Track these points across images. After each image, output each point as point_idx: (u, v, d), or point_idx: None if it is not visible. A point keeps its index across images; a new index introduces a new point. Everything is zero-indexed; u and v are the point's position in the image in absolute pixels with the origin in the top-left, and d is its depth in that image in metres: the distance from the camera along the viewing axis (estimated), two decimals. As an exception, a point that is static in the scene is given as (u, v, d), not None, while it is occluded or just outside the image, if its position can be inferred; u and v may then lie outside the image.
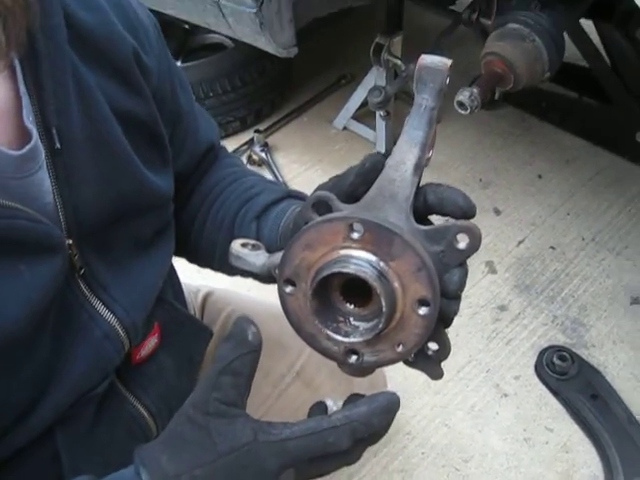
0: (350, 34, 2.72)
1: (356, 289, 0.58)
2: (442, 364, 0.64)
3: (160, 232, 0.82)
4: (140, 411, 0.84)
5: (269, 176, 2.28)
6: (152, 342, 0.84)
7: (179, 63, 2.34)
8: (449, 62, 0.64)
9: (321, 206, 0.61)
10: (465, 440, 1.58)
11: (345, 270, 0.56)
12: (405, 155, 0.62)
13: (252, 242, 0.68)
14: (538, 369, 1.70)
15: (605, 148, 2.29)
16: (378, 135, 2.32)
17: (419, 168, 0.61)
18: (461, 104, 1.30)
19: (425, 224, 0.61)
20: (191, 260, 1.00)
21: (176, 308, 0.91)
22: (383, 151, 2.31)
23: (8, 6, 0.50)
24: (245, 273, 0.69)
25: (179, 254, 0.94)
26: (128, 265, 0.76)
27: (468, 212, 0.60)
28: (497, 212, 2.13)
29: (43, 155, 0.64)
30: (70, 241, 0.67)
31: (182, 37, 2.44)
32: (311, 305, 0.59)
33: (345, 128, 2.50)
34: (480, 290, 1.90)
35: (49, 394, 0.68)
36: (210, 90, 2.29)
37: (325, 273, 0.56)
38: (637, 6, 1.65)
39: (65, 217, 0.66)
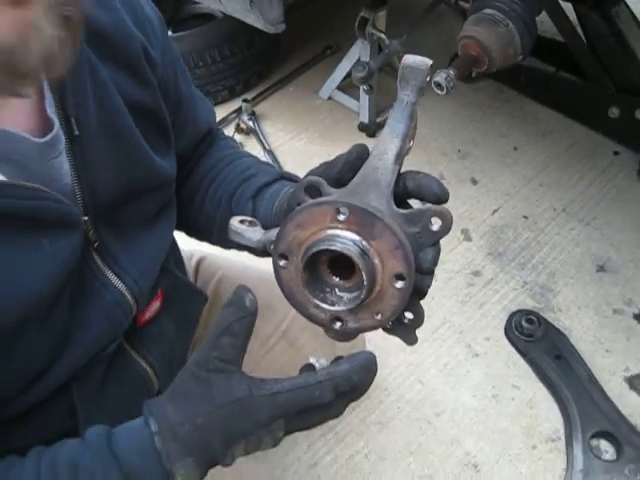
0: (336, 5, 2.77)
1: (342, 264, 0.65)
2: (417, 330, 0.72)
3: (163, 208, 0.90)
4: (145, 368, 0.93)
5: (257, 144, 2.37)
6: (155, 306, 0.93)
7: (170, 33, 2.40)
8: (429, 62, 0.71)
9: (312, 190, 0.68)
10: (438, 396, 1.68)
11: (332, 247, 0.63)
12: (387, 146, 0.69)
13: (249, 219, 0.75)
14: (507, 331, 1.80)
15: (579, 122, 2.37)
16: (362, 106, 2.39)
17: (400, 157, 0.68)
18: (438, 84, 1.39)
19: (405, 207, 0.68)
20: (190, 234, 1.07)
21: (177, 276, 1.00)
22: (366, 121, 2.40)
23: (75, 22, 0.57)
24: (241, 247, 0.77)
25: (180, 228, 1.02)
26: (135, 238, 0.84)
27: (442, 197, 0.68)
28: (474, 182, 2.22)
29: (63, 142, 0.71)
30: (86, 218, 0.74)
31: (173, 7, 2.49)
32: (302, 277, 0.66)
33: (330, 98, 2.57)
34: (456, 256, 1.99)
35: (65, 354, 0.76)
36: (200, 60, 2.35)
37: (315, 249, 0.64)
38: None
39: (82, 197, 0.74)
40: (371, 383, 0.69)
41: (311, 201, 0.66)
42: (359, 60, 2.21)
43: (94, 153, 0.75)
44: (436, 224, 0.66)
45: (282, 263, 0.69)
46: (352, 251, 0.63)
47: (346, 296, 0.67)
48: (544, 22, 2.12)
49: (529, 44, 1.44)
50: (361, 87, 2.26)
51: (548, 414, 1.65)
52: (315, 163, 2.34)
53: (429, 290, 0.68)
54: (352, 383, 0.66)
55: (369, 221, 0.63)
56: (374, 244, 0.64)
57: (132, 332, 0.89)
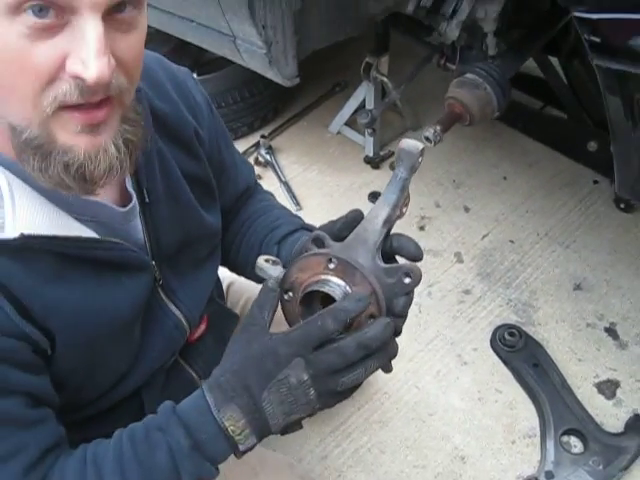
0: (343, 45, 3.00)
1: (330, 301, 0.80)
2: (394, 359, 0.86)
3: (212, 252, 1.12)
4: (193, 376, 1.16)
5: (273, 175, 2.61)
6: (202, 328, 1.15)
7: (195, 75, 2.64)
8: (421, 147, 0.85)
9: (318, 241, 0.88)
10: (431, 399, 1.88)
11: (322, 289, 0.80)
12: (379, 212, 0.86)
13: (273, 258, 0.91)
14: (492, 343, 1.99)
15: (562, 154, 2.53)
16: (367, 141, 2.61)
17: (388, 222, 0.86)
18: (427, 138, 1.66)
19: (391, 262, 0.87)
20: (230, 269, 1.29)
21: (219, 304, 1.23)
22: (371, 154, 2.63)
23: (135, 142, 0.78)
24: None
25: (222, 264, 1.23)
26: (190, 276, 1.05)
27: (417, 257, 0.87)
28: (466, 209, 2.43)
29: (138, 208, 0.93)
30: (153, 263, 0.96)
31: (196, 53, 2.74)
32: (299, 309, 0.85)
33: (339, 132, 2.78)
34: (449, 277, 2.19)
35: (138, 366, 0.97)
36: (222, 101, 2.59)
37: (309, 289, 0.82)
38: (580, 41, 1.97)
39: (150, 247, 0.95)
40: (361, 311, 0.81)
41: (310, 252, 0.85)
42: (364, 104, 2.45)
43: (160, 214, 0.96)
44: (407, 278, 0.82)
45: (286, 297, 0.87)
46: (336, 293, 0.80)
47: None
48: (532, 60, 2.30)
49: (504, 103, 1.69)
50: (365, 130, 2.49)
51: (526, 414, 1.82)
52: (325, 193, 2.64)
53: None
54: (349, 313, 0.78)
55: (351, 271, 0.81)
56: (354, 289, 0.81)
57: (184, 348, 1.11)
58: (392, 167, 2.60)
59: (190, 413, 0.82)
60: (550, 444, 1.76)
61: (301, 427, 0.85)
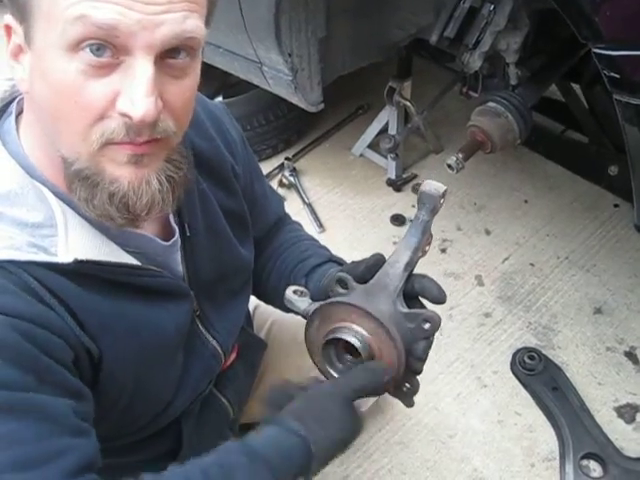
0: (366, 68, 3.03)
1: (351, 347, 0.88)
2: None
3: (244, 284, 1.15)
4: (224, 403, 1.19)
5: (297, 197, 2.64)
6: (232, 357, 1.19)
7: (220, 98, 2.71)
8: (442, 189, 0.86)
9: (342, 282, 0.93)
10: (451, 421, 1.89)
11: (343, 337, 0.86)
12: (400, 256, 0.89)
13: (301, 289, 0.97)
14: (512, 366, 2.00)
15: (583, 177, 2.53)
16: (389, 164, 2.64)
17: (409, 266, 0.89)
18: (449, 166, 1.70)
19: (414, 301, 0.91)
20: (260, 298, 1.32)
21: (249, 333, 1.27)
22: (393, 177, 2.65)
23: (177, 180, 0.82)
24: (293, 312, 1.02)
25: (252, 293, 1.26)
26: (225, 307, 1.09)
27: (440, 300, 0.91)
28: (487, 233, 2.45)
29: (179, 242, 0.97)
30: (192, 292, 0.99)
31: (222, 76, 2.77)
32: (322, 353, 0.90)
33: (361, 155, 2.81)
34: (469, 300, 2.21)
35: (180, 394, 1.01)
36: (247, 124, 2.62)
37: (330, 336, 0.87)
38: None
39: (189, 279, 0.99)
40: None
41: (334, 299, 0.90)
42: (387, 126, 2.48)
43: (199, 248, 1.00)
44: (427, 324, 0.85)
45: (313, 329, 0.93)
46: (357, 342, 0.85)
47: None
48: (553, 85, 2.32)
49: (525, 131, 1.72)
50: (388, 155, 2.53)
51: (545, 437, 1.83)
52: (347, 215, 2.67)
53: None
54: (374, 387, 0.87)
55: (372, 321, 0.85)
56: (374, 337, 0.85)
57: (216, 377, 1.15)
58: (414, 190, 2.65)
59: (268, 445, 0.83)
60: (569, 468, 1.77)
61: None
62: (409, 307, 0.90)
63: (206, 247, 1.02)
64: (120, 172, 0.75)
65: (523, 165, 2.72)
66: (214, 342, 1.07)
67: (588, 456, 1.78)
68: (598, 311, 2.16)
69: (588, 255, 2.34)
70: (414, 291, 0.92)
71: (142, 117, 0.70)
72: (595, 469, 1.76)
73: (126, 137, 0.73)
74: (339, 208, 2.63)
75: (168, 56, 0.73)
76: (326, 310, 0.89)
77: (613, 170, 2.33)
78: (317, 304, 0.92)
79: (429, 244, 0.92)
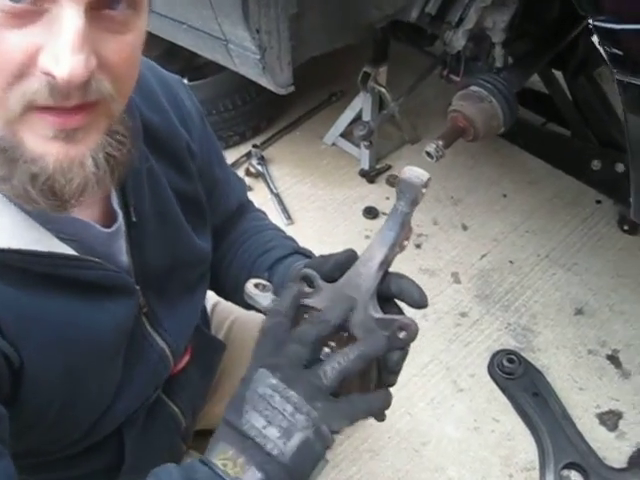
0: (340, 54, 2.93)
1: None
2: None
3: (201, 278, 1.04)
4: (174, 410, 1.08)
5: (264, 187, 2.53)
6: (185, 359, 1.07)
7: (185, 81, 2.56)
8: (425, 178, 0.76)
9: (307, 280, 0.81)
10: (424, 427, 1.80)
11: None
12: (374, 253, 0.78)
13: (264, 283, 0.85)
14: (490, 369, 1.92)
15: (565, 172, 2.39)
16: (362, 154, 2.54)
17: (384, 264, 0.78)
18: (428, 154, 1.57)
19: (390, 306, 0.80)
20: (219, 294, 1.22)
21: (204, 333, 1.15)
22: (367, 167, 2.55)
23: (118, 159, 0.70)
24: (254, 308, 0.90)
25: (210, 288, 1.15)
26: (178, 304, 0.98)
27: (421, 304, 0.78)
28: (465, 228, 2.36)
29: (123, 229, 0.85)
30: (138, 287, 0.87)
31: (188, 57, 2.65)
32: None
33: (334, 144, 2.71)
34: (445, 298, 2.12)
35: (120, 401, 0.89)
36: (213, 108, 2.51)
37: None
38: (589, 54, 1.90)
39: (135, 271, 0.87)
40: None
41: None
42: (361, 114, 2.38)
43: (147, 236, 0.89)
44: (402, 333, 0.74)
45: None
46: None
47: None
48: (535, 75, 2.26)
49: (510, 117, 1.61)
50: (362, 143, 2.42)
51: (525, 446, 1.76)
52: (317, 207, 2.55)
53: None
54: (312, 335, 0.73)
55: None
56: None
57: (165, 381, 1.03)
58: (389, 181, 2.55)
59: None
60: (550, 478, 1.69)
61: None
62: (384, 311, 0.79)
63: (155, 235, 0.91)
64: (45, 148, 0.63)
65: (502, 158, 2.63)
66: (163, 343, 0.96)
67: (569, 466, 1.71)
68: (579, 312, 2.09)
69: (569, 253, 2.27)
70: (390, 293, 0.80)
71: (68, 77, 0.58)
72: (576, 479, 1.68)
73: (50, 100, 0.60)
74: (309, 199, 2.52)
75: (105, 6, 0.61)
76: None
77: (596, 165, 2.27)
78: None
79: (408, 239, 0.82)
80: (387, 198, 2.48)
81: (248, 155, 2.63)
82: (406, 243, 0.81)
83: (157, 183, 0.91)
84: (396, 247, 0.79)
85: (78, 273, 0.77)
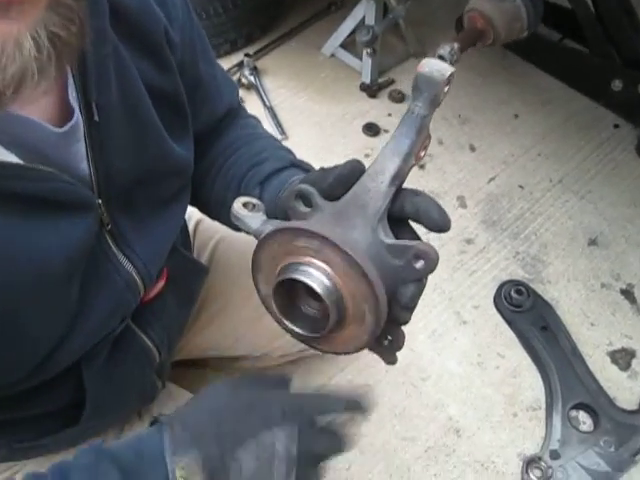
0: None
1: (313, 293, 0.63)
2: (401, 347, 0.71)
3: (179, 193, 0.89)
4: (147, 343, 0.94)
5: (257, 100, 2.34)
6: (160, 285, 0.93)
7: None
8: (448, 72, 0.65)
9: (304, 198, 0.68)
10: (424, 361, 1.69)
11: (299, 278, 0.61)
12: (386, 164, 0.65)
13: (254, 202, 0.72)
14: (496, 300, 1.80)
15: (581, 92, 2.32)
16: (364, 66, 2.35)
17: (397, 179, 0.64)
18: (441, 57, 1.37)
19: (403, 229, 0.67)
20: (202, 211, 1.07)
21: (183, 255, 1.00)
22: (368, 81, 2.37)
23: (66, 40, 0.53)
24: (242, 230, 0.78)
25: (191, 204, 1.01)
26: (149, 222, 0.83)
27: (443, 227, 0.64)
28: (472, 149, 2.21)
29: (82, 128, 0.69)
30: (100, 201, 0.73)
31: None
32: (274, 301, 0.65)
33: (333, 55, 2.52)
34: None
35: (76, 336, 0.76)
36: (202, 11, 2.29)
37: (281, 277, 0.62)
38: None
39: (97, 181, 0.72)
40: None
41: (294, 224, 0.65)
42: (364, 22, 2.17)
43: (112, 138, 0.73)
44: (419, 262, 0.62)
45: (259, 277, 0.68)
46: (320, 286, 0.61)
47: (315, 324, 0.66)
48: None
49: (535, 20, 1.41)
50: (364, 50, 2.23)
51: (531, 383, 1.66)
52: (314, 122, 2.36)
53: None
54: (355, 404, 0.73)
55: (342, 255, 0.60)
56: (344, 279, 0.62)
57: (136, 310, 0.89)
58: (392, 97, 2.37)
59: (129, 452, 0.66)
60: (557, 419, 1.60)
61: None
62: (396, 236, 0.66)
63: (123, 138, 0.75)
64: None
65: (513, 76, 2.45)
66: (130, 267, 0.81)
67: (578, 406, 1.62)
68: (593, 242, 1.96)
69: (583, 180, 2.13)
70: (404, 213, 0.66)
71: None
72: (585, 421, 1.60)
73: None
74: (304, 114, 2.34)
75: None
76: (281, 237, 0.64)
77: (617, 85, 2.16)
78: (273, 225, 0.68)
79: (425, 148, 0.68)
80: (389, 115, 2.31)
81: (240, 65, 2.43)
82: (423, 154, 0.68)
83: (126, 75, 0.75)
84: (411, 157, 0.66)
85: (19, 186, 0.62)
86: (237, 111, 1.06)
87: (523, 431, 1.59)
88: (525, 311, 1.77)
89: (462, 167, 2.16)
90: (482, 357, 1.72)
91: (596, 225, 2.00)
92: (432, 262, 0.61)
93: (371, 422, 1.58)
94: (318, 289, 0.60)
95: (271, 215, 0.72)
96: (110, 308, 0.80)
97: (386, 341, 0.70)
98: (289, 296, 0.66)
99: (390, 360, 0.73)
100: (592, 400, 1.61)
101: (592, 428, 1.58)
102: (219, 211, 1.01)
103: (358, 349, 0.67)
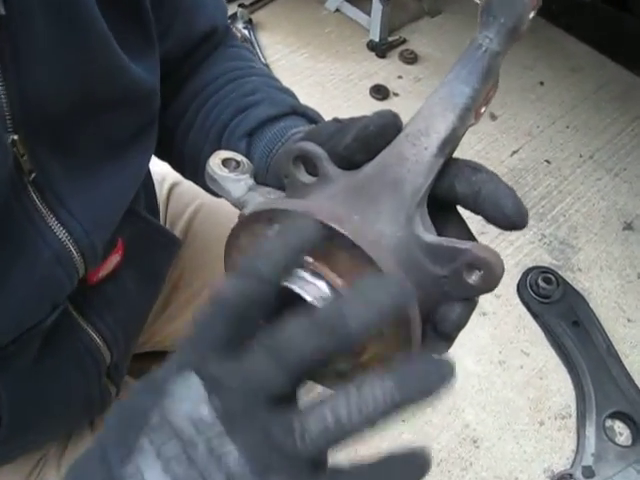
0: None
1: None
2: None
3: (139, 133, 0.67)
4: (94, 338, 0.72)
5: (251, 56, 2.13)
6: (113, 261, 0.71)
7: None
8: None
9: (307, 163, 0.47)
10: None
11: (292, 287, 0.42)
12: (433, 122, 0.45)
13: (238, 158, 0.54)
14: (520, 289, 1.62)
15: (614, 60, 2.16)
16: (372, 21, 2.16)
17: (448, 144, 0.44)
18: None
19: (449, 220, 0.47)
20: (175, 168, 0.84)
21: (146, 220, 0.76)
22: (377, 38, 2.15)
23: None
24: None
25: (162, 158, 0.80)
26: (95, 173, 0.62)
27: (517, 223, 0.44)
28: (493, 117, 2.01)
29: None
30: (16, 137, 0.53)
31: None
32: None
33: (337, 10, 2.33)
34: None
35: None
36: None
37: None
38: None
39: (10, 106, 0.51)
40: None
41: (281, 203, 0.45)
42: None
43: (29, 40, 0.51)
44: (474, 276, 0.42)
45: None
46: (319, 298, 0.42)
47: None
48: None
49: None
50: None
51: (559, 386, 1.50)
52: (315, 82, 2.07)
53: None
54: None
55: (359, 257, 0.41)
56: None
57: (80, 293, 0.68)
58: (403, 57, 2.17)
59: None
60: (590, 430, 1.42)
61: None
62: (438, 232, 0.46)
63: (47, 43, 0.53)
64: None
65: (538, 40, 2.24)
66: (63, 234, 0.60)
67: (615, 415, 1.46)
68: (628, 227, 1.78)
69: (617, 156, 1.94)
70: (455, 197, 0.45)
71: None
72: (622, 433, 1.44)
73: None
74: (305, 72, 2.14)
75: None
76: (269, 219, 0.45)
77: None
78: (261, 194, 0.53)
79: (488, 102, 0.48)
80: (400, 77, 2.11)
81: (233, 17, 2.22)
82: (484, 109, 0.48)
83: None
84: (470, 114, 0.46)
85: None
86: (224, 36, 0.82)
87: (551, 443, 1.42)
88: (554, 302, 1.59)
89: (482, 137, 1.97)
90: (504, 354, 1.55)
91: (632, 207, 1.83)
92: (494, 277, 0.41)
93: (374, 428, 1.37)
94: (317, 304, 0.41)
95: (261, 179, 0.55)
96: (33, 288, 0.59)
97: None
98: (278, 305, 0.46)
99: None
100: (631, 408, 1.44)
101: (631, 441, 1.40)
102: (195, 170, 0.77)
103: None
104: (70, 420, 0.83)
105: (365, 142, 0.46)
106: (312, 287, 0.41)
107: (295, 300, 0.41)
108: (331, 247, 0.40)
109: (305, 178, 0.48)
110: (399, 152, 0.45)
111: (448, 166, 0.45)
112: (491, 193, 0.43)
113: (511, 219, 0.43)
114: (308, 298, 0.40)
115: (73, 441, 0.87)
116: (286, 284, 0.41)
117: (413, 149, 0.44)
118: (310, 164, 0.47)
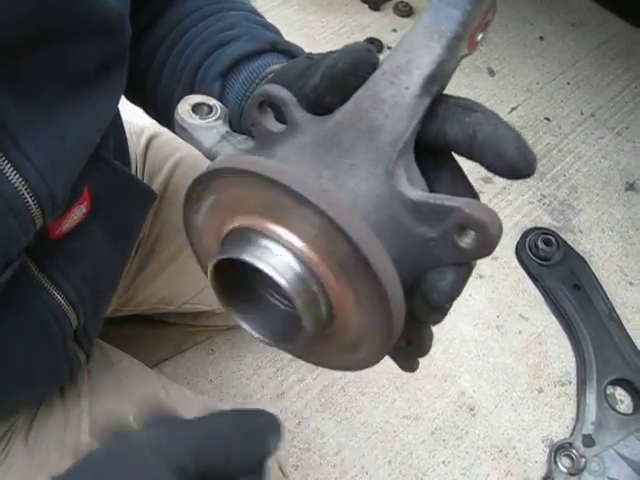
0: None
1: (267, 279, 0.38)
2: (425, 353, 0.46)
3: (105, 69, 0.58)
4: (57, 300, 0.65)
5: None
6: (79, 213, 0.63)
7: None
8: None
9: (273, 107, 0.41)
10: None
11: (253, 262, 0.36)
12: (415, 55, 0.38)
13: (211, 103, 0.49)
14: (519, 251, 1.54)
15: (616, 14, 2.07)
16: None
17: (435, 81, 0.38)
18: None
19: (443, 169, 0.40)
20: (148, 112, 0.75)
21: (116, 169, 0.68)
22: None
23: None
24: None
25: (134, 101, 0.71)
26: (54, 112, 0.54)
27: (522, 169, 0.37)
28: (491, 73, 1.92)
29: None
30: None
31: None
32: (214, 288, 0.41)
33: None
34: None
35: None
36: None
37: (223, 256, 0.38)
38: None
39: None
40: None
41: (236, 161, 0.37)
42: None
43: None
44: (467, 238, 0.36)
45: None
46: (283, 272, 0.36)
47: (285, 319, 0.42)
48: None
49: None
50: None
51: (559, 352, 1.43)
52: (305, 35, 1.98)
53: None
54: None
55: (326, 222, 0.34)
56: (321, 269, 0.37)
57: (41, 249, 0.61)
58: (398, 10, 2.07)
59: None
60: (591, 397, 1.35)
61: None
62: (431, 184, 0.40)
63: None
64: None
65: None
66: (16, 177, 0.51)
67: (616, 382, 1.39)
68: (631, 187, 1.71)
69: (620, 114, 1.86)
70: (446, 143, 0.39)
71: None
72: (623, 400, 1.38)
73: None
74: (294, 25, 2.04)
75: None
76: (227, 181, 0.38)
77: None
78: (232, 143, 0.47)
79: (486, 26, 0.41)
80: (394, 30, 2.01)
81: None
82: (480, 36, 0.41)
83: None
84: (463, 43, 0.39)
85: None
86: None
87: (550, 410, 1.35)
88: (554, 265, 1.51)
89: (479, 93, 1.88)
90: (501, 319, 1.47)
91: (635, 167, 1.74)
92: (489, 239, 0.35)
93: (366, 396, 1.32)
94: (281, 280, 0.36)
95: (236, 126, 0.51)
96: None
97: (403, 343, 0.45)
98: (241, 279, 0.42)
99: (408, 367, 0.47)
100: (633, 375, 1.37)
101: (632, 409, 1.34)
102: (168, 117, 0.69)
103: (362, 366, 0.42)
104: (36, 388, 0.76)
105: (334, 82, 0.40)
106: (278, 262, 0.35)
107: (262, 273, 0.36)
108: (298, 210, 0.34)
109: (273, 126, 0.41)
110: (374, 94, 0.38)
111: (436, 106, 0.38)
112: (489, 136, 0.37)
113: (515, 166, 0.36)
114: (275, 278, 0.35)
115: (42, 411, 0.81)
116: (247, 258, 0.35)
117: (391, 89, 0.38)
118: (277, 109, 0.41)
